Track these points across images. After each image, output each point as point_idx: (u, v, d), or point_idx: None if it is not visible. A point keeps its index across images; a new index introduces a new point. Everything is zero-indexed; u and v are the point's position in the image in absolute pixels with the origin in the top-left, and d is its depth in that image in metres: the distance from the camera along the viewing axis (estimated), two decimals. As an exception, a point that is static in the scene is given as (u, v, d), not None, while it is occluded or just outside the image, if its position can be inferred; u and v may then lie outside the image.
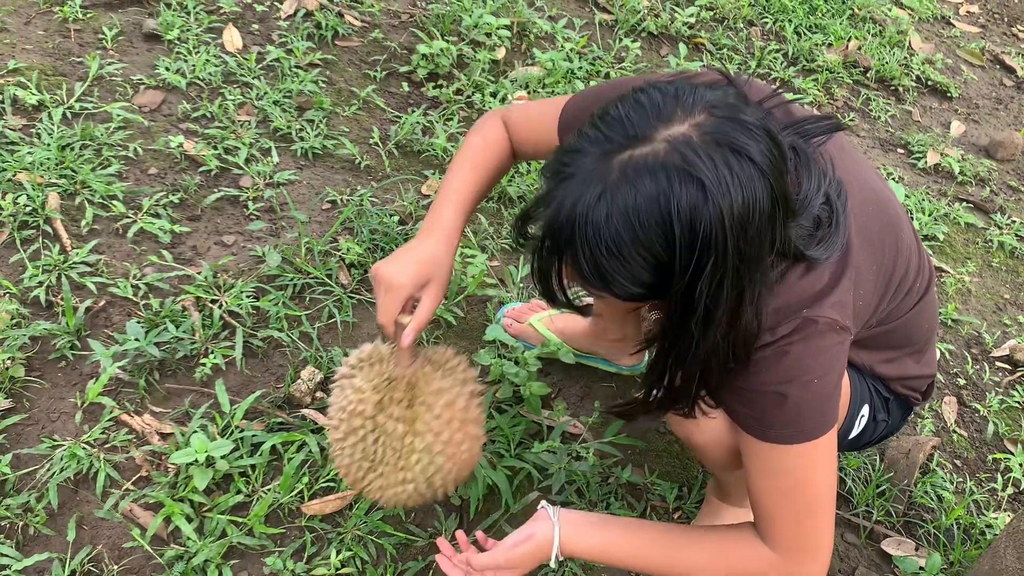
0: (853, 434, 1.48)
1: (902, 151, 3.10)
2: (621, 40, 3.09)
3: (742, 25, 3.38)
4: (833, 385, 1.18)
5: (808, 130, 1.18)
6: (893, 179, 2.90)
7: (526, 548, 1.26)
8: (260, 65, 2.57)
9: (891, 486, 1.89)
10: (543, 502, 1.32)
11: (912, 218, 2.74)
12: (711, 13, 3.39)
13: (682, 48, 3.11)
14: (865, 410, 1.46)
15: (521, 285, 2.16)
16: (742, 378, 1.16)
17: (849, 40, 3.51)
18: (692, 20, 3.26)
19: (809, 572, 1.21)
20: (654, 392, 1.19)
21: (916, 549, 1.79)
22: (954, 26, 3.98)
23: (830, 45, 3.46)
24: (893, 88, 3.40)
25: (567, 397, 1.94)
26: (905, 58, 3.52)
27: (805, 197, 1.10)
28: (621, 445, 1.85)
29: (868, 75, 3.39)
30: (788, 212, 1.03)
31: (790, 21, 3.49)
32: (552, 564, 1.27)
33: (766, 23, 3.48)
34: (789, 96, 2.88)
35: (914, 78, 3.46)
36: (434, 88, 2.68)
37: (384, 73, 2.71)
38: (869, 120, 3.21)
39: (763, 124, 0.99)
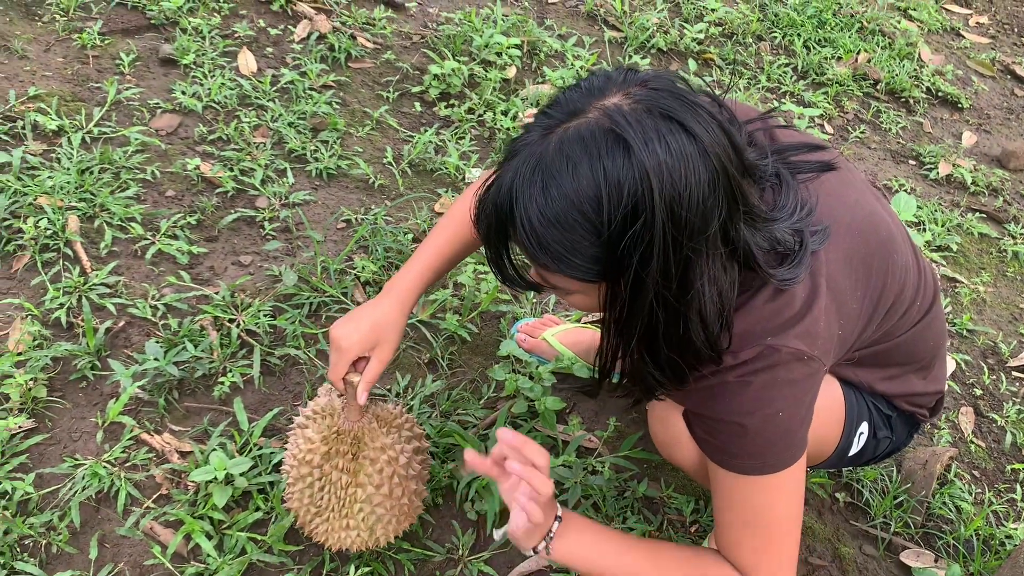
0: (852, 451, 1.48)
1: (914, 162, 3.11)
2: (631, 57, 3.11)
3: (751, 40, 3.40)
4: (800, 418, 1.16)
5: (796, 164, 1.20)
6: (905, 190, 2.90)
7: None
8: (275, 88, 2.60)
9: (909, 497, 1.89)
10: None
11: (924, 229, 2.74)
12: (720, 29, 3.41)
13: (691, 64, 3.14)
14: (864, 427, 1.45)
15: (534, 301, 2.17)
16: (706, 404, 1.16)
17: (859, 53, 3.52)
18: (701, 36, 3.28)
19: None
20: (607, 367, 1.17)
21: (935, 561, 1.79)
22: (964, 37, 3.99)
23: (839, 58, 3.48)
24: (903, 100, 3.41)
25: (582, 411, 1.95)
26: (915, 70, 3.53)
27: (771, 217, 1.10)
28: (637, 459, 1.85)
29: (878, 87, 3.40)
30: (736, 204, 1.01)
31: (799, 35, 3.50)
32: (540, 548, 1.24)
33: (775, 37, 3.50)
34: (798, 110, 2.90)
35: (924, 90, 3.47)
36: (446, 107, 2.71)
37: (397, 93, 2.74)
38: (880, 132, 3.21)
39: (713, 114, 1.00)
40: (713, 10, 3.44)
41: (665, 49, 3.21)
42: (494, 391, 1.93)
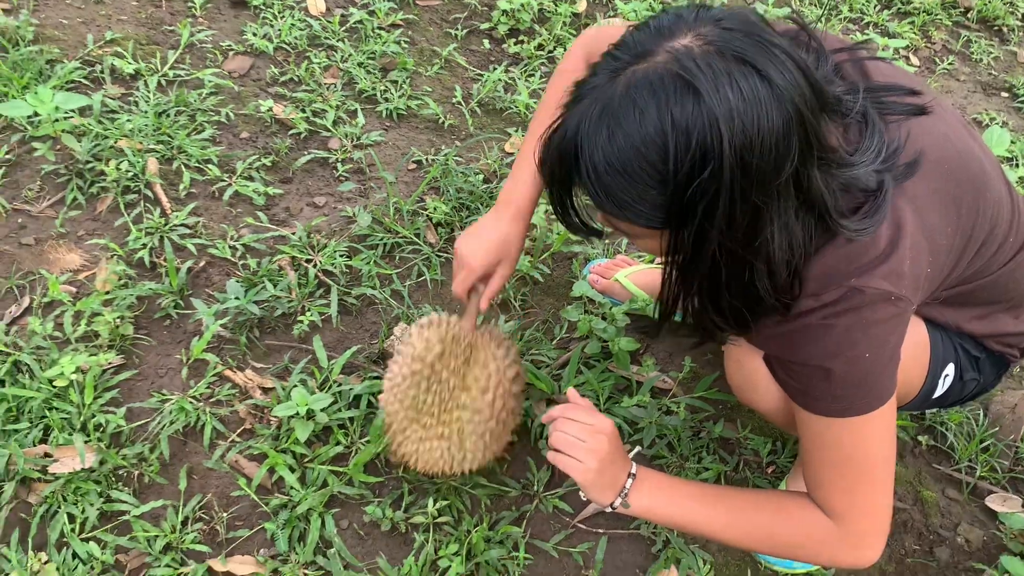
0: (937, 394, 1.43)
1: (1006, 94, 2.95)
2: (705, -12, 3.00)
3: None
4: (887, 358, 1.12)
5: (887, 104, 1.13)
6: (997, 124, 2.76)
7: (606, 441, 1.25)
8: (344, 28, 2.59)
9: (996, 441, 1.83)
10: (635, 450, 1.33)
11: (1017, 165, 2.61)
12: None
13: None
14: (950, 369, 1.40)
15: (607, 242, 2.15)
16: (788, 348, 1.13)
17: (948, -21, 3.33)
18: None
19: (865, 542, 1.18)
20: (668, 311, 1.14)
21: (1023, 506, 1.74)
22: (1063, -40, 3.74)
23: (927, -15, 3.30)
24: (996, 28, 3.22)
25: (656, 352, 1.93)
26: (1009, -4, 3.33)
27: (851, 162, 1.04)
28: (712, 400, 1.83)
29: (969, 16, 3.22)
30: (811, 150, 0.96)
31: (884, -38, 3.33)
32: (617, 504, 1.25)
33: (858, -35, 3.33)
34: (883, 41, 2.77)
35: (1020, 17, 3.27)
36: (515, 44, 2.66)
37: (465, 31, 2.70)
38: (970, 63, 3.05)
39: (790, 53, 0.94)
40: (792, -63, 3.28)
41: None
42: (567, 332, 1.92)
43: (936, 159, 1.15)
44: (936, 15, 3.18)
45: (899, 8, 3.19)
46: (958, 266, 1.22)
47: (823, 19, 3.02)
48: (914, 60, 3.01)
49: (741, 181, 0.92)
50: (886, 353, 1.12)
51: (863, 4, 3.14)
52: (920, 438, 1.85)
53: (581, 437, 1.24)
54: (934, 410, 1.87)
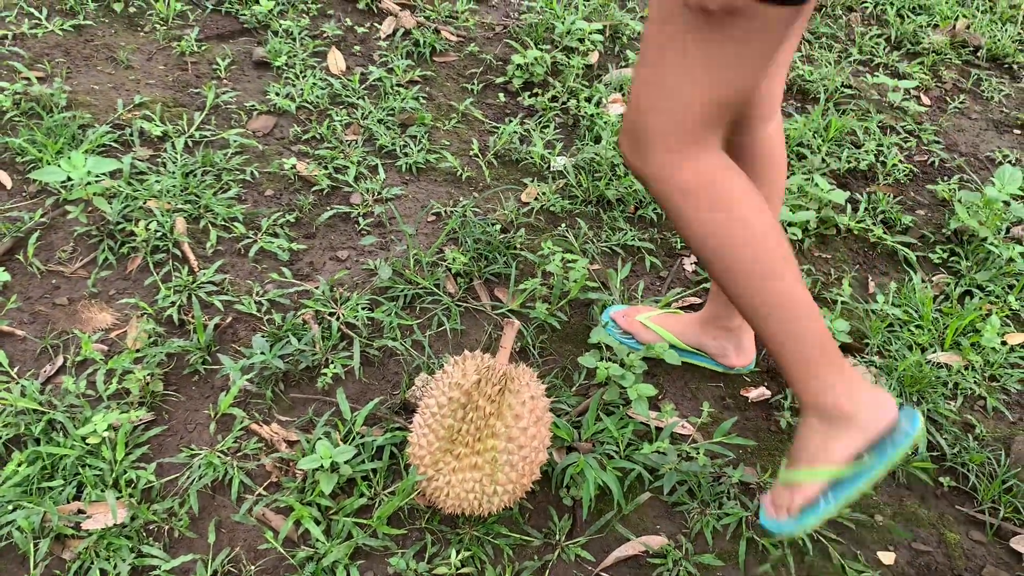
0: None
1: (1018, 131, 2.97)
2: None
3: (841, 12, 3.30)
4: None
5: None
6: (1009, 162, 2.78)
7: None
8: (363, 85, 2.67)
9: (1019, 482, 1.83)
10: None
11: (1032, 202, 2.62)
12: None
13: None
14: None
15: (622, 288, 2.18)
16: None
17: (957, 19, 3.38)
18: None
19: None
20: None
21: (1049, 547, 1.73)
22: (1072, -4, 3.77)
23: (936, 26, 3.34)
24: (1007, 66, 3.26)
25: (674, 398, 1.95)
26: (1019, 34, 3.37)
27: None
28: (732, 445, 1.85)
29: (979, 54, 3.26)
30: None
31: (892, 3, 3.38)
32: None
33: (866, 7, 3.38)
34: (892, 82, 2.80)
35: (1029, 54, 3.31)
36: (530, 97, 2.73)
37: (481, 85, 2.77)
38: (981, 101, 3.08)
39: None
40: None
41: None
42: (585, 378, 1.95)
43: None
44: (946, 55, 3.22)
45: (908, 49, 3.24)
46: None
47: (834, 62, 3.07)
48: (925, 100, 3.04)
49: None
50: None
51: (872, 46, 3.19)
52: (942, 479, 1.85)
53: None
54: (954, 453, 1.87)
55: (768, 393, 1.98)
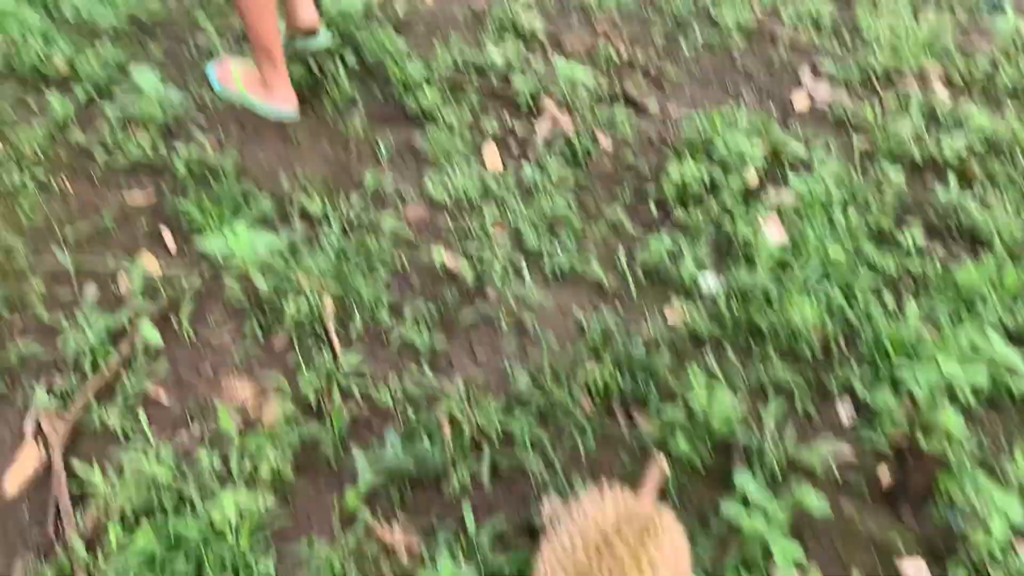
0: None
1: None
2: (881, 167, 2.95)
3: (1021, 155, 3.12)
4: None
5: None
6: None
7: None
8: (516, 183, 2.68)
9: None
10: None
11: None
12: (984, 141, 3.15)
13: (950, 178, 2.92)
14: None
15: (775, 430, 2.05)
16: None
17: None
18: (962, 148, 3.05)
19: None
20: None
21: None
22: None
23: (1124, 178, 3.12)
24: None
25: (820, 560, 1.79)
26: None
27: None
28: (881, 624, 1.68)
29: None
30: None
31: (1076, 149, 3.18)
32: None
33: (1047, 151, 3.19)
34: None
35: None
36: (682, 211, 2.67)
37: (632, 194, 2.74)
38: None
39: None
40: (977, 122, 3.20)
41: (920, 162, 3.01)
42: (724, 528, 1.82)
43: None
44: None
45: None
46: None
47: (1009, 209, 2.89)
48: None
49: None
50: None
51: None
52: None
53: None
54: None
55: (926, 570, 1.80)
